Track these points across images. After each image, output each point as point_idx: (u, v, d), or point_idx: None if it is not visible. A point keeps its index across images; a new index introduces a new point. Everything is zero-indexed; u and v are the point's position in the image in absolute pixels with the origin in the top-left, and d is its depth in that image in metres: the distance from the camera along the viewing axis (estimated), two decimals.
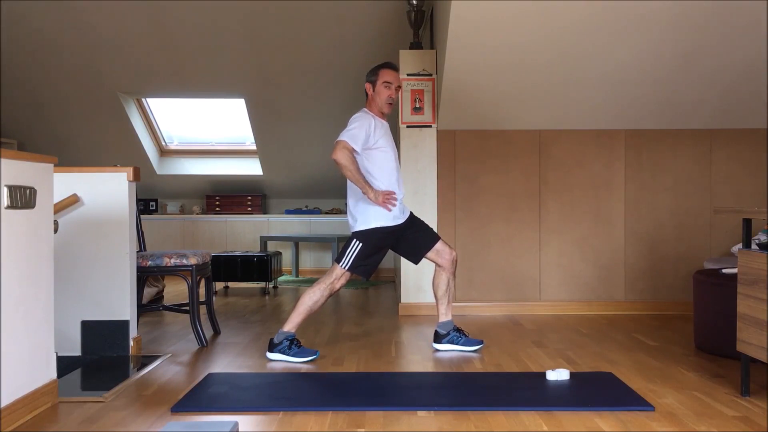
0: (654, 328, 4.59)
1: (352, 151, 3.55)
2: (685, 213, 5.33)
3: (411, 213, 3.88)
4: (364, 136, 3.58)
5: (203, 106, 7.97)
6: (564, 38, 4.35)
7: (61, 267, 3.55)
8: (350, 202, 3.74)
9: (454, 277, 3.93)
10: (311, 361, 3.62)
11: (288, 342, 3.64)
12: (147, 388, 3.13)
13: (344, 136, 3.56)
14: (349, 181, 3.67)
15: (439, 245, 3.85)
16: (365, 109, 3.75)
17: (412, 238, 3.84)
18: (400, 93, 3.71)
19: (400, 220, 3.75)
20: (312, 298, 3.66)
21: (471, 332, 4.25)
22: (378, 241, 3.70)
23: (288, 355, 3.62)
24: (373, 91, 3.72)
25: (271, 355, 3.66)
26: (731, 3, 4.00)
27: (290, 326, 3.67)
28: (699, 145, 5.33)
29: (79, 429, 2.56)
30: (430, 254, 3.86)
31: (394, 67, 3.76)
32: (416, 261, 3.93)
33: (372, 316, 5.22)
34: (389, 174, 3.71)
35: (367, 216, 3.66)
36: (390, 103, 3.73)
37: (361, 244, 3.66)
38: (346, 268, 3.66)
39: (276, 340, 3.66)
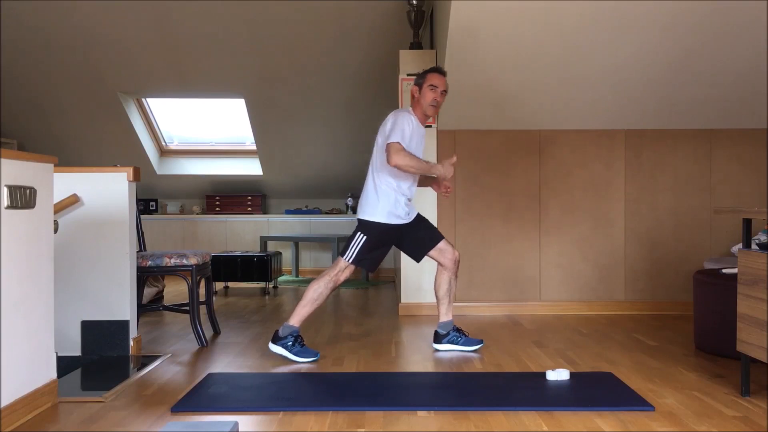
0: (654, 328, 4.59)
1: (405, 148, 3.58)
2: (685, 213, 5.33)
3: (418, 214, 3.90)
4: (408, 134, 3.62)
5: (203, 106, 7.97)
6: (564, 38, 4.35)
7: (61, 267, 3.55)
8: (365, 189, 3.77)
9: (456, 277, 3.95)
10: (311, 362, 3.63)
11: (292, 339, 3.65)
12: (147, 388, 3.13)
13: (395, 137, 3.56)
14: (370, 171, 3.72)
15: (442, 244, 3.87)
16: (409, 108, 3.79)
17: (415, 235, 3.86)
18: (443, 99, 3.78)
19: (405, 221, 3.77)
20: (317, 290, 3.69)
21: (471, 332, 4.25)
22: (382, 235, 3.73)
23: (290, 352, 3.63)
24: (419, 93, 3.75)
25: (273, 347, 3.67)
26: (731, 3, 4.00)
27: (296, 320, 3.68)
28: (699, 145, 5.33)
29: (79, 429, 2.56)
30: (432, 253, 3.87)
31: (442, 72, 3.80)
32: (418, 259, 3.94)
33: (372, 316, 5.22)
34: (407, 175, 3.73)
35: (374, 209, 3.69)
36: (434, 106, 3.74)
37: (365, 237, 3.68)
38: (350, 261, 3.69)
39: (281, 334, 3.67)
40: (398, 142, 3.53)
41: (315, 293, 3.68)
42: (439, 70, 3.79)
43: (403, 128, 3.59)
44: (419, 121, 3.76)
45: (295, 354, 3.63)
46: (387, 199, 3.68)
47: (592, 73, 4.69)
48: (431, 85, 3.72)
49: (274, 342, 3.68)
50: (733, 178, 5.33)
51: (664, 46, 4.41)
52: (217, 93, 7.34)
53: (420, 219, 3.90)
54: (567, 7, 4.07)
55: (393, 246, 3.93)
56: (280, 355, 3.65)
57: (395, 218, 3.71)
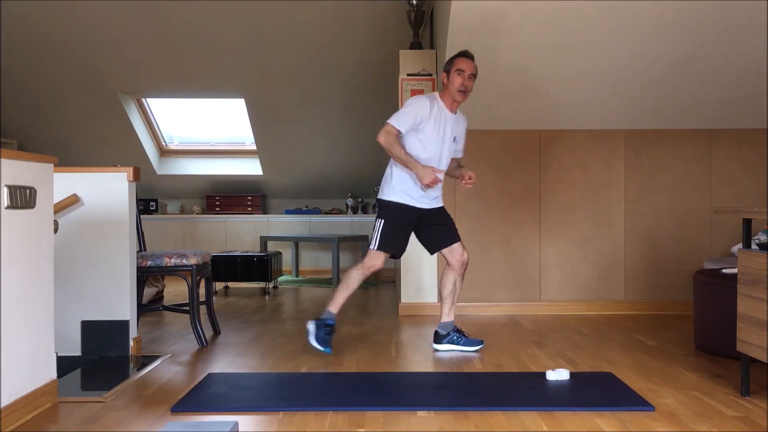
0: (654, 328, 4.59)
1: (398, 133, 3.61)
2: (685, 213, 5.33)
3: (443, 208, 3.93)
4: (413, 119, 3.64)
5: (203, 106, 7.97)
6: (564, 38, 4.35)
7: (61, 267, 3.55)
8: (385, 174, 3.85)
9: (462, 279, 3.96)
10: (323, 353, 3.73)
11: (325, 327, 3.77)
12: (147, 388, 3.13)
13: (391, 119, 3.64)
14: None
15: (455, 245, 3.90)
16: (436, 93, 3.81)
17: (435, 229, 3.89)
18: (472, 83, 3.75)
19: (421, 204, 3.79)
20: (349, 276, 3.81)
21: (471, 332, 4.25)
22: (398, 215, 3.77)
23: (316, 331, 3.76)
24: (447, 79, 3.75)
25: (309, 325, 3.80)
26: (731, 3, 4.00)
27: (334, 306, 3.81)
28: (699, 145, 5.33)
29: (79, 429, 2.56)
30: (444, 250, 3.91)
31: (469, 56, 3.78)
32: (432, 252, 4.00)
33: (372, 316, 5.22)
34: (428, 159, 3.72)
35: (390, 189, 3.78)
36: (461, 91, 3.71)
37: (383, 220, 3.76)
38: (376, 247, 3.76)
39: (323, 316, 3.80)
40: (393, 126, 3.60)
41: (348, 279, 3.81)
42: (466, 54, 3.77)
43: (410, 114, 3.63)
44: (448, 107, 3.76)
45: (315, 336, 3.76)
46: (401, 180, 3.74)
47: (592, 73, 4.69)
48: (458, 70, 3.70)
49: (314, 320, 3.82)
50: (733, 178, 5.33)
51: (664, 46, 4.41)
52: (217, 93, 7.35)
53: (445, 215, 3.93)
54: (567, 7, 4.07)
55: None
56: (307, 330, 3.80)
57: (409, 198, 3.75)
